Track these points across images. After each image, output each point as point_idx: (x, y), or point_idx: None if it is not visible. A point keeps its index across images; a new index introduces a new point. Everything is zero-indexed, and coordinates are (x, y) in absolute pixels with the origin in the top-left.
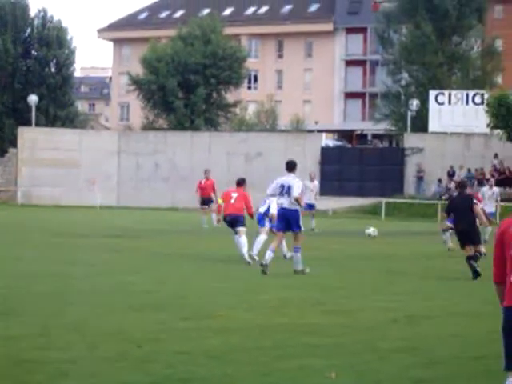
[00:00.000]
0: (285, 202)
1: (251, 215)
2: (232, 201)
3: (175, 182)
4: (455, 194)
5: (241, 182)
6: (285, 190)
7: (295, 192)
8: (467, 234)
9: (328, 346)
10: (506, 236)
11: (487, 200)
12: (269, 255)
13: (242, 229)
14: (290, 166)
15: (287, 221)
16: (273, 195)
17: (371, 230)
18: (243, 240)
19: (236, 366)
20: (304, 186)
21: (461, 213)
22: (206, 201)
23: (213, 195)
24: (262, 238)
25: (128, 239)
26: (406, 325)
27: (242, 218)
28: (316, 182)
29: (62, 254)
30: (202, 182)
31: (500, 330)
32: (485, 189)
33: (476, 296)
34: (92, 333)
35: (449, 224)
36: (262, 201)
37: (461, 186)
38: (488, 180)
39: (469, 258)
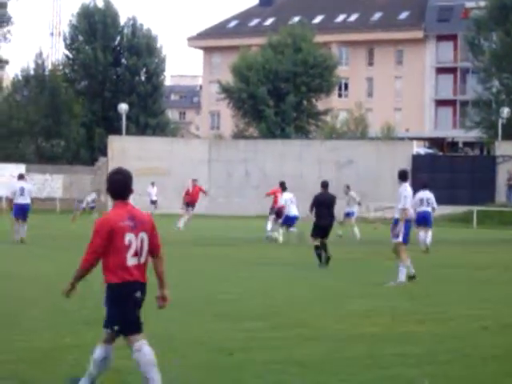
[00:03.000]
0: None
1: None
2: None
3: (265, 190)
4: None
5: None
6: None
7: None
8: (326, 229)
9: (419, 355)
10: (116, 230)
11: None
12: (404, 272)
13: None
14: (406, 176)
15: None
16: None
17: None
18: None
19: (327, 376)
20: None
21: (325, 210)
22: (190, 204)
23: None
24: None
25: (217, 247)
26: (497, 333)
27: None
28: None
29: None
30: (190, 190)
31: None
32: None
33: None
34: (181, 342)
35: None
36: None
37: (323, 185)
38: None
39: (317, 248)
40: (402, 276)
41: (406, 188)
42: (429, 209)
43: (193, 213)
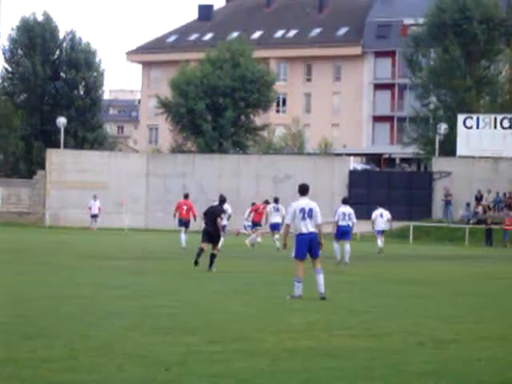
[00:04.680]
0: (309, 225)
1: (195, 217)
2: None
3: (203, 204)
4: (215, 204)
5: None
6: (307, 214)
7: (319, 217)
8: (211, 235)
9: (355, 370)
10: None
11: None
12: (298, 287)
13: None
14: (305, 190)
15: (309, 246)
16: (296, 223)
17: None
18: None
19: None
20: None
21: (211, 219)
22: (258, 223)
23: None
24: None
25: (155, 261)
26: (432, 349)
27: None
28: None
29: (88, 277)
30: (261, 209)
31: None
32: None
33: (504, 319)
34: (120, 355)
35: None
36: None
37: (220, 200)
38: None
39: (201, 250)
40: (297, 290)
41: (292, 204)
42: (349, 223)
43: (261, 230)
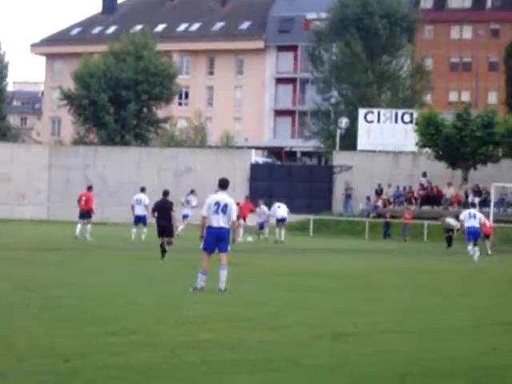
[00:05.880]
0: (220, 220)
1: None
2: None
3: (105, 196)
4: (161, 198)
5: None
6: (220, 208)
7: (233, 214)
8: (165, 228)
9: (254, 362)
10: None
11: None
12: (201, 279)
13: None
14: (223, 184)
15: (217, 240)
16: (208, 216)
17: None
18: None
19: (163, 382)
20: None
21: (162, 213)
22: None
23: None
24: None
25: (58, 253)
26: (331, 341)
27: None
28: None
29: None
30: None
31: None
32: None
33: (403, 313)
34: (20, 347)
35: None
36: None
37: (164, 193)
38: None
39: (162, 244)
40: (200, 282)
41: (210, 195)
42: None
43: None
